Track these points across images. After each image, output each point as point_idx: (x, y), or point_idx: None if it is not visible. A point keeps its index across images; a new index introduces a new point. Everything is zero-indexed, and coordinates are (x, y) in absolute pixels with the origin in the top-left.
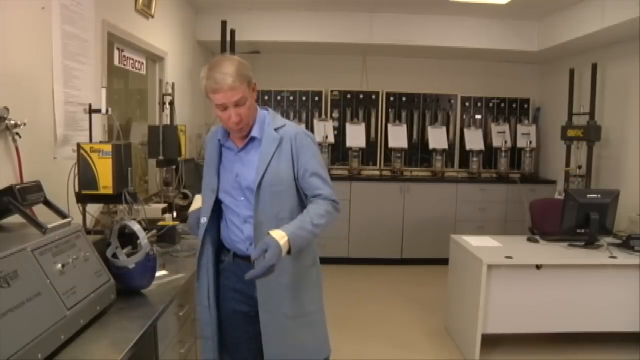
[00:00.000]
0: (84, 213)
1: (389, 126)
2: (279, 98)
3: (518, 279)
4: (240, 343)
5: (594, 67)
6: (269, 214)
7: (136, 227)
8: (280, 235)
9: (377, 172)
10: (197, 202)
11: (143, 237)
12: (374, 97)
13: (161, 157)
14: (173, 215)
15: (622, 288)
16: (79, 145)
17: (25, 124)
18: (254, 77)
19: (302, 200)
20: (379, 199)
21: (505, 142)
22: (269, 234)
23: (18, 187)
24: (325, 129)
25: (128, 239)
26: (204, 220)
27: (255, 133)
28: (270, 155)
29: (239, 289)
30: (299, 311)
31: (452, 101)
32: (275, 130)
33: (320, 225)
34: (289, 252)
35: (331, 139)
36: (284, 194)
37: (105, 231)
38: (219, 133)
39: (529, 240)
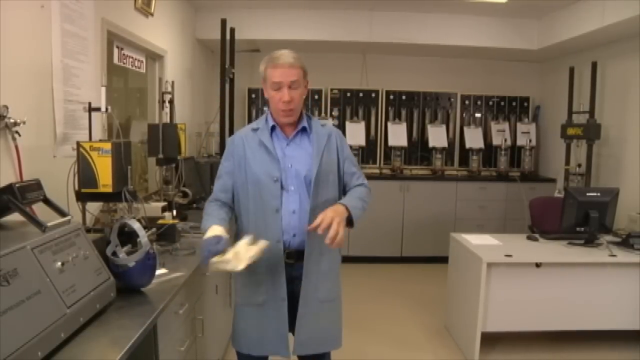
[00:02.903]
0: (83, 211)
1: (389, 124)
2: None
3: (517, 277)
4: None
5: (594, 65)
6: (318, 203)
7: (136, 226)
8: (338, 205)
9: (377, 171)
10: (212, 231)
11: (143, 236)
12: (373, 95)
13: (161, 155)
14: (173, 214)
15: (621, 286)
16: (78, 144)
17: (24, 122)
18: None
19: (341, 191)
20: (379, 197)
21: (505, 140)
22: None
23: (17, 185)
24: None
25: (128, 237)
26: (277, 210)
27: (306, 124)
28: (322, 147)
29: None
30: (330, 295)
31: (452, 99)
32: (322, 126)
33: (367, 202)
34: (350, 223)
35: None
36: (332, 183)
37: (105, 229)
38: (266, 122)
39: (529, 238)
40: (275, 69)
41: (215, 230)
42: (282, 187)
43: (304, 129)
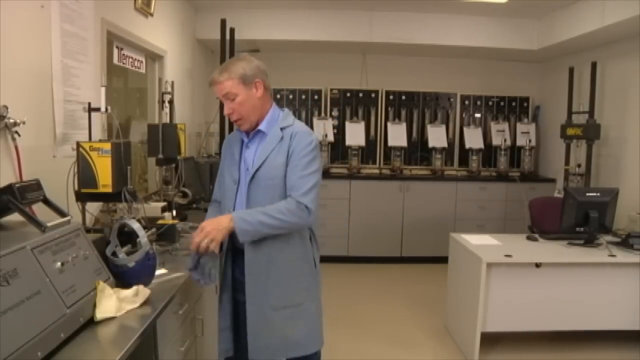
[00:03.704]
0: (83, 211)
1: (389, 124)
2: (278, 96)
3: (517, 277)
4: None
5: (594, 66)
6: (261, 205)
7: (135, 226)
8: (223, 216)
9: (377, 171)
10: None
11: (142, 236)
12: (373, 95)
13: (160, 156)
14: (172, 214)
15: (621, 286)
16: (78, 144)
17: (24, 122)
18: (261, 77)
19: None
20: (379, 197)
21: (505, 140)
22: None
23: (17, 185)
24: (324, 128)
25: (127, 237)
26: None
27: (262, 127)
28: (269, 150)
29: (237, 277)
30: (285, 303)
31: (452, 99)
32: (281, 129)
33: (274, 217)
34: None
35: (330, 138)
36: (277, 187)
37: (105, 229)
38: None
39: (528, 238)
40: (212, 88)
41: None
42: (244, 189)
43: (263, 131)
